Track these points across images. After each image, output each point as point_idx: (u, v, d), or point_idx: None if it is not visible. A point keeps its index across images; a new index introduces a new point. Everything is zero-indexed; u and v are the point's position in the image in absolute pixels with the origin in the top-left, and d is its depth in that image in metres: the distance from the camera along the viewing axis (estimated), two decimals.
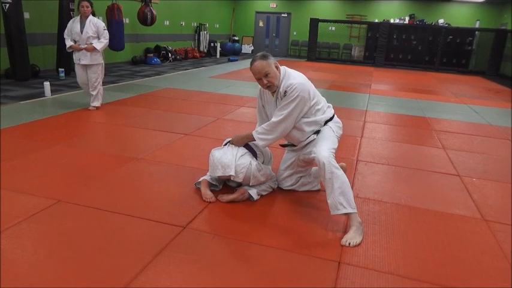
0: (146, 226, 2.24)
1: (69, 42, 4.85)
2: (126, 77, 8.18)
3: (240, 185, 2.68)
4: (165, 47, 11.85)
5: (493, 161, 3.88)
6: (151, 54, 11.19)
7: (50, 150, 3.44)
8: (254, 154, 2.64)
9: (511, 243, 2.29)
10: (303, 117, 2.53)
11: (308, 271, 1.92)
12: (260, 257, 2.02)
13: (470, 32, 14.63)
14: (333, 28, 16.47)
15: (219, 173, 2.56)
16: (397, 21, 15.38)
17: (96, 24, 4.83)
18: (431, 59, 14.58)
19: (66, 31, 4.89)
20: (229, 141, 2.69)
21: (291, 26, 17.35)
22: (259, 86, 2.59)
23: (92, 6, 4.85)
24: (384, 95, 7.85)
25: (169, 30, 12.61)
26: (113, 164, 3.17)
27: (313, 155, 2.41)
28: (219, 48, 14.70)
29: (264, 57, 2.44)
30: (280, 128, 2.50)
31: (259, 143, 2.57)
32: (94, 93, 5.00)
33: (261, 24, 17.82)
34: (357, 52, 16.39)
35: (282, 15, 17.39)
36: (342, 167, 2.94)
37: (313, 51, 15.09)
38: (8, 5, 6.46)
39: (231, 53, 15.39)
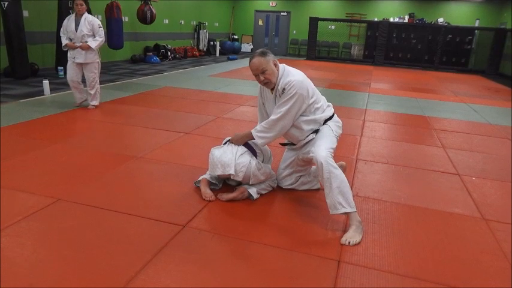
0: (146, 225, 2.24)
1: (64, 41, 4.82)
2: (125, 76, 8.17)
3: (239, 183, 2.68)
4: (164, 46, 11.83)
5: (492, 160, 3.88)
6: (151, 53, 11.18)
7: (50, 148, 3.44)
8: (254, 153, 2.64)
9: (511, 242, 2.29)
10: (301, 115, 2.52)
11: (308, 270, 1.92)
12: (260, 255, 2.02)
13: (469, 30, 14.63)
14: (333, 27, 16.46)
15: (219, 172, 2.56)
16: (396, 20, 15.37)
17: (91, 22, 4.78)
18: (430, 58, 14.59)
19: (61, 29, 4.86)
20: (228, 140, 2.69)
21: (291, 25, 17.34)
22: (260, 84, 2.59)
23: (86, 4, 4.79)
24: (383, 93, 7.84)
25: (168, 29, 12.59)
26: (112, 163, 3.17)
27: (311, 155, 2.40)
28: (218, 47, 14.68)
29: (263, 54, 2.44)
30: (279, 126, 2.50)
31: (258, 141, 2.57)
32: (92, 92, 4.99)
33: (260, 23, 17.81)
34: (356, 51, 16.39)
35: (282, 13, 17.38)
36: (341, 166, 2.95)
37: (312, 50, 15.08)
38: (7, 3, 6.44)
39: (231, 51, 15.37)
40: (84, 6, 4.75)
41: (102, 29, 4.89)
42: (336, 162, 2.36)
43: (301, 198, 2.73)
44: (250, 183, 2.60)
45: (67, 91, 6.06)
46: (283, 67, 2.51)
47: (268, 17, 17.63)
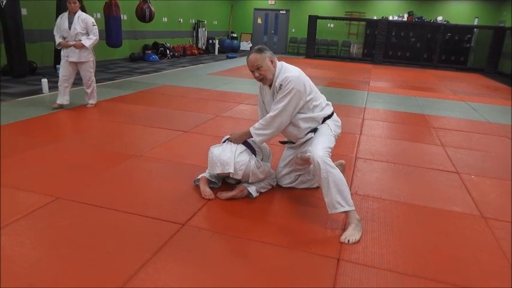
0: (145, 223, 2.24)
1: (58, 39, 4.78)
2: (124, 74, 8.16)
3: (239, 182, 2.68)
4: (163, 44, 11.82)
5: (491, 158, 3.88)
6: (150, 51, 11.17)
7: (49, 147, 3.43)
8: (253, 151, 2.64)
9: (510, 241, 2.30)
10: (299, 112, 2.51)
11: (307, 268, 1.92)
12: (259, 254, 2.02)
13: (468, 29, 14.64)
14: (332, 25, 16.44)
15: (218, 170, 2.56)
16: (395, 18, 15.36)
17: (84, 20, 4.74)
18: (429, 56, 14.58)
19: (55, 28, 4.82)
20: (227, 139, 2.69)
21: (290, 23, 17.33)
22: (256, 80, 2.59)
23: (80, 2, 4.75)
24: (382, 92, 7.85)
25: (167, 27, 12.57)
26: (111, 161, 3.16)
27: (308, 154, 2.40)
28: (217, 45, 14.66)
29: (260, 50, 2.45)
30: (277, 123, 2.49)
31: (256, 138, 2.56)
32: (89, 90, 4.97)
33: (259, 21, 17.79)
34: (355, 49, 16.38)
35: (281, 12, 17.36)
36: (341, 165, 2.95)
37: (311, 48, 15.06)
38: (5, 1, 6.42)
39: (230, 50, 15.36)
40: (78, 4, 4.70)
41: (96, 27, 4.85)
42: (334, 160, 2.36)
43: (301, 197, 2.73)
44: (250, 181, 2.60)
45: None
46: (280, 64, 2.51)
47: (267, 15, 17.61)
